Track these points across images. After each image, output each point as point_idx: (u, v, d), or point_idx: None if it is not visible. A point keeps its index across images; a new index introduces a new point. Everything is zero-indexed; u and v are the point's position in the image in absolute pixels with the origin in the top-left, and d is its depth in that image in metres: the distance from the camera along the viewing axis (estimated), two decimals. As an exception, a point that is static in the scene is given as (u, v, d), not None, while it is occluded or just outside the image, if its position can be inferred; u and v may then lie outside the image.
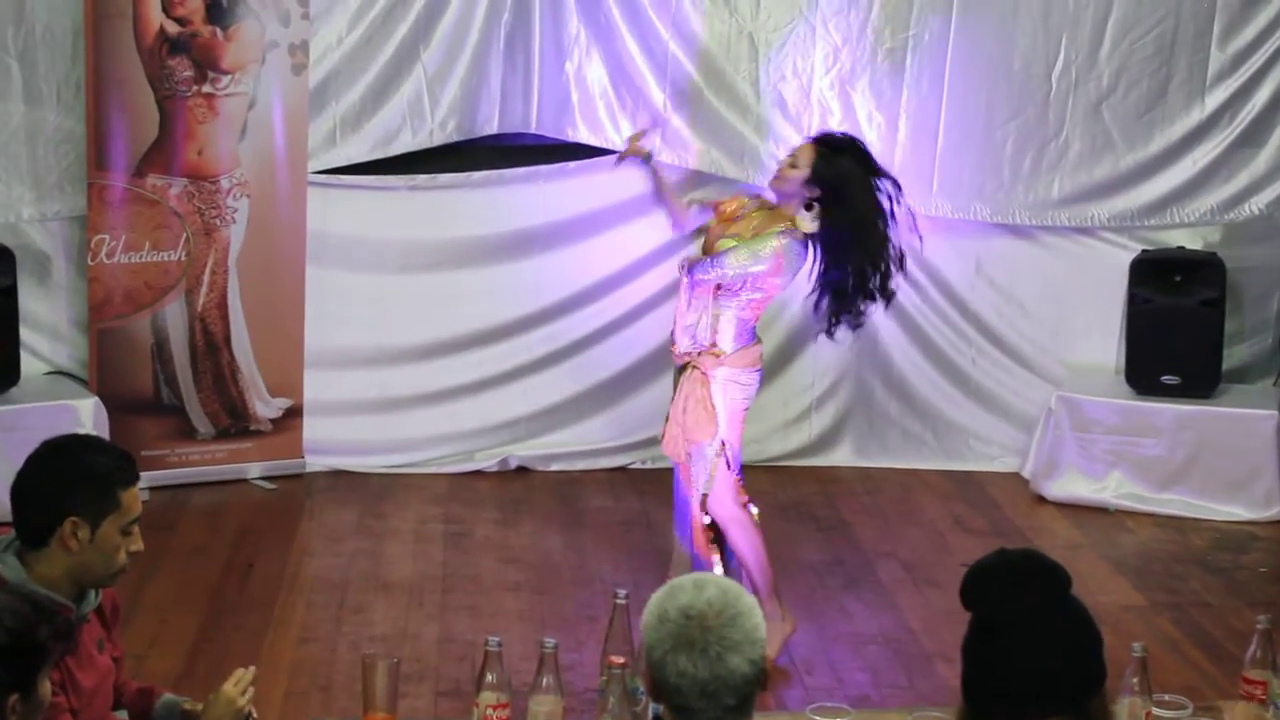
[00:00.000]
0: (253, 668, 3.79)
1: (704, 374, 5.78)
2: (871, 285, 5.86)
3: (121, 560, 3.65)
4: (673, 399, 5.95)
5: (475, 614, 6.23)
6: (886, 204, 5.88)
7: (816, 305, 5.91)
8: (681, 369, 5.90)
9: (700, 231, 6.24)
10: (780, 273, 5.76)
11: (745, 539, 5.87)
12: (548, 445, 7.89)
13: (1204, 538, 7.28)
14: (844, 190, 5.79)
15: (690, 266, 5.82)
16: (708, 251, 5.91)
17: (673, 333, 5.92)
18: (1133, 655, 3.83)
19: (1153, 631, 6.18)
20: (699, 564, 5.87)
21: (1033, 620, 3.00)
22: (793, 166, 5.84)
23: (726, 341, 5.78)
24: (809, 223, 5.78)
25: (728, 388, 5.80)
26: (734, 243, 5.79)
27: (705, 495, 5.84)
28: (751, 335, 5.86)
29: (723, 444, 5.81)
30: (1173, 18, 7.67)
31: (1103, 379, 7.80)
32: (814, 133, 6.52)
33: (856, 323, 6.00)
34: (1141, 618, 6.38)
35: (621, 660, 3.75)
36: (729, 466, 5.84)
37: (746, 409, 5.95)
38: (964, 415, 8.05)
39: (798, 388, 8.00)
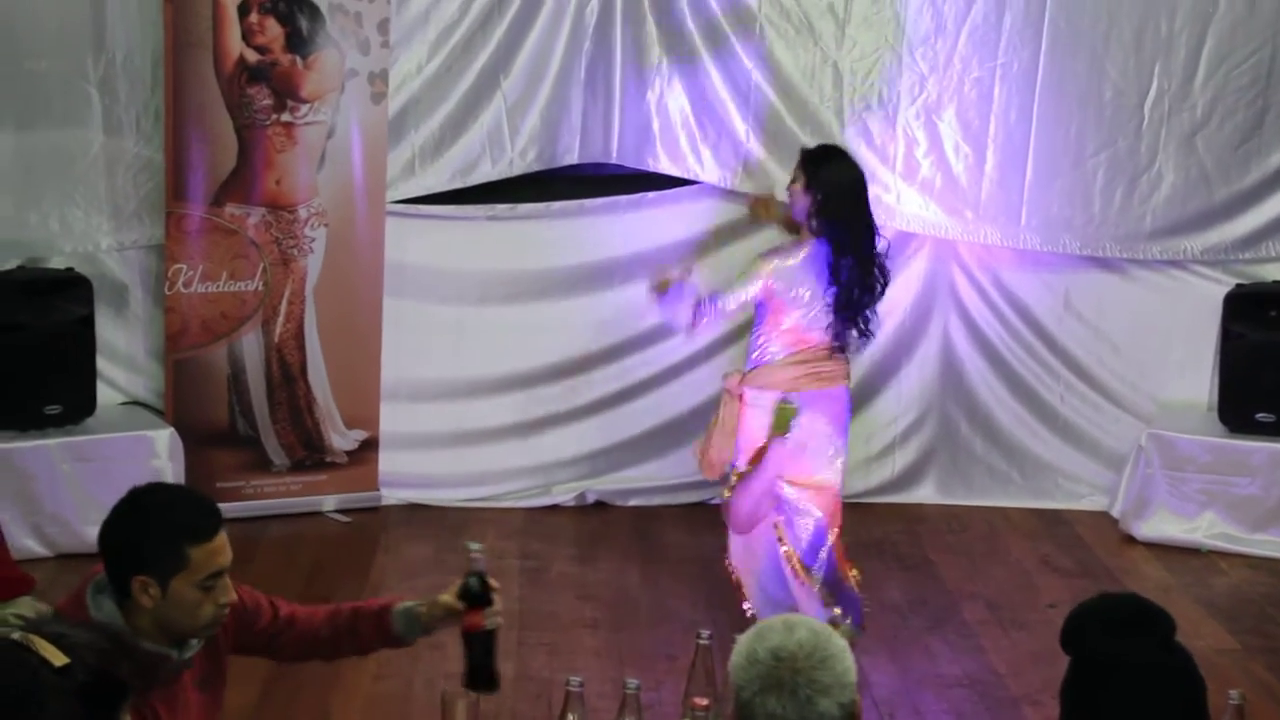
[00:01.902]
0: None
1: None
2: (876, 290, 6.04)
3: (206, 614, 3.55)
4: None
5: (552, 651, 6.14)
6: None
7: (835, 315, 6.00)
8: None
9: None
10: (779, 291, 5.94)
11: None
12: (625, 480, 7.81)
13: (1299, 580, 7.12)
14: (836, 189, 5.98)
15: (698, 304, 6.05)
16: None
17: None
18: (1229, 702, 3.69)
19: (1247, 676, 6.06)
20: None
21: (1139, 666, 2.96)
22: (794, 182, 6.07)
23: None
24: (814, 229, 5.97)
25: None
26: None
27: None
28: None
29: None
30: (1269, 47, 7.53)
31: (1195, 416, 7.64)
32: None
33: (865, 332, 6.11)
34: (1235, 662, 6.25)
35: (705, 702, 3.67)
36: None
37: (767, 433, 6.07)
38: (1051, 453, 7.91)
39: (881, 423, 7.88)
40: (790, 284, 5.94)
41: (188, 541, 3.51)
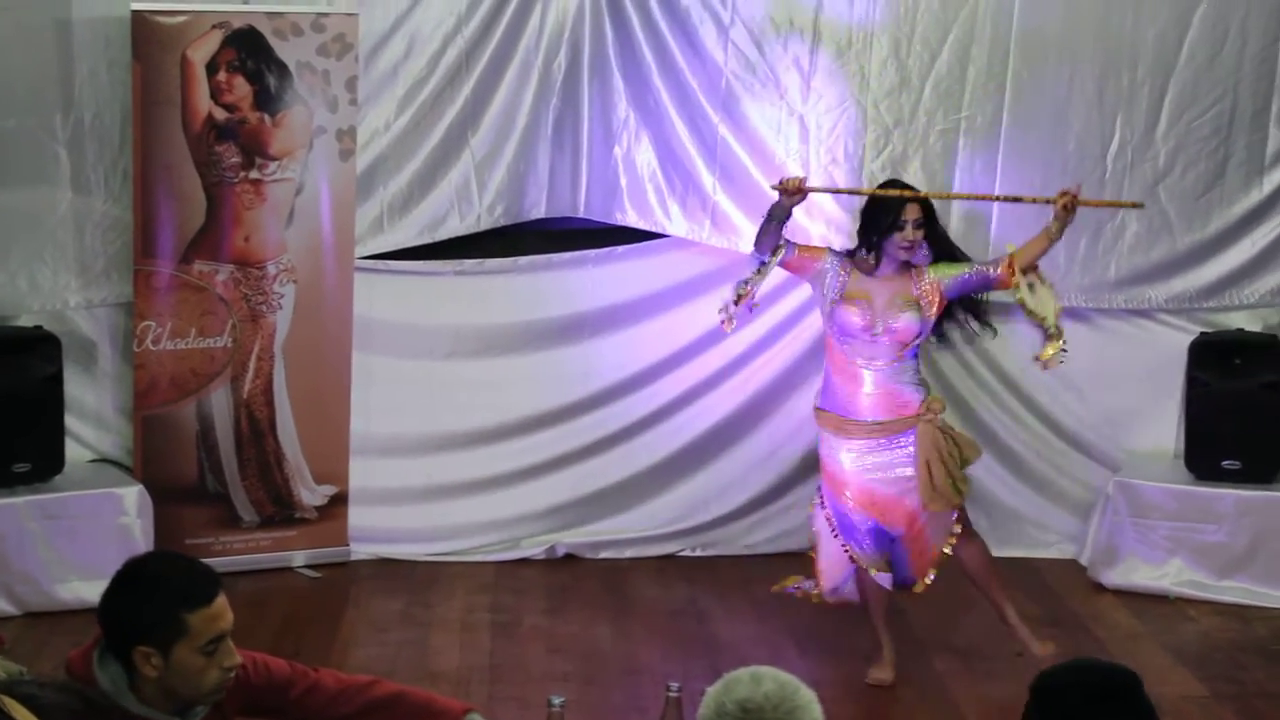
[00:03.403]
0: None
1: None
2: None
3: (211, 680, 3.55)
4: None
5: (523, 705, 6.11)
6: None
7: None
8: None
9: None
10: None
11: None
12: (595, 533, 7.80)
13: (1267, 626, 7.13)
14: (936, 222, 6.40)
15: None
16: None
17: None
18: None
19: (1216, 724, 6.05)
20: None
21: None
22: (919, 227, 6.25)
23: None
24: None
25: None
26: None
27: None
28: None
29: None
30: (1230, 96, 7.61)
31: (1162, 464, 7.67)
32: (884, 183, 6.72)
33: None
34: (1204, 709, 6.25)
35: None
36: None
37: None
38: (1019, 501, 7.92)
39: (850, 473, 7.88)
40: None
41: (185, 609, 3.50)
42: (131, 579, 3.55)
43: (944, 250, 6.37)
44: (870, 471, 6.33)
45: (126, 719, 3.49)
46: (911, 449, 6.28)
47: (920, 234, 6.25)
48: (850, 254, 6.43)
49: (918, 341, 6.34)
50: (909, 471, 6.28)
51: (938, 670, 6.61)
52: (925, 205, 6.31)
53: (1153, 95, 7.61)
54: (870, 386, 6.30)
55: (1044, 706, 3.07)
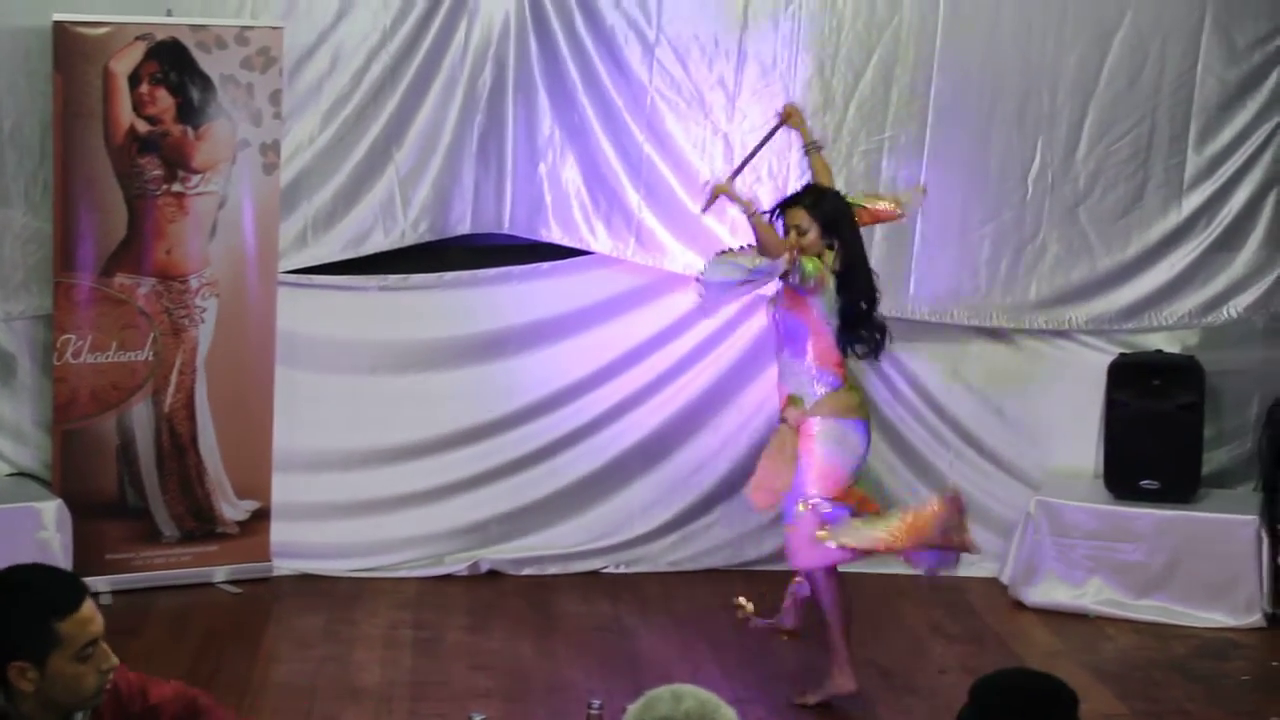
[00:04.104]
0: None
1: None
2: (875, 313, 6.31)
3: (90, 684, 3.51)
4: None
5: (445, 722, 6.11)
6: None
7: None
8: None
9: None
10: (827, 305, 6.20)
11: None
12: (519, 549, 7.78)
13: (1185, 645, 7.18)
14: (845, 222, 6.26)
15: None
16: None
17: None
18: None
19: (1134, 741, 6.10)
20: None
21: None
22: (803, 234, 6.17)
23: None
24: (834, 262, 6.18)
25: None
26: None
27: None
28: None
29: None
30: (1148, 121, 7.70)
31: (1081, 484, 7.73)
32: (778, 200, 6.56)
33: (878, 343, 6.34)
34: (1123, 727, 6.29)
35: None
36: None
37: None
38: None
39: (773, 491, 7.89)
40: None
41: (55, 617, 3.45)
42: None
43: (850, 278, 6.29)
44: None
45: None
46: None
47: (804, 239, 6.17)
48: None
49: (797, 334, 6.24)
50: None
51: (862, 687, 6.60)
52: (819, 216, 6.22)
53: (1073, 118, 7.69)
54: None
55: (981, 708, 3.07)
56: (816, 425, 6.17)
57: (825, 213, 6.22)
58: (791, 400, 6.24)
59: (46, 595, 3.48)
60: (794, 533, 6.22)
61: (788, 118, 6.70)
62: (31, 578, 3.57)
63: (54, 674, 3.45)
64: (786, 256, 6.01)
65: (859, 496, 6.26)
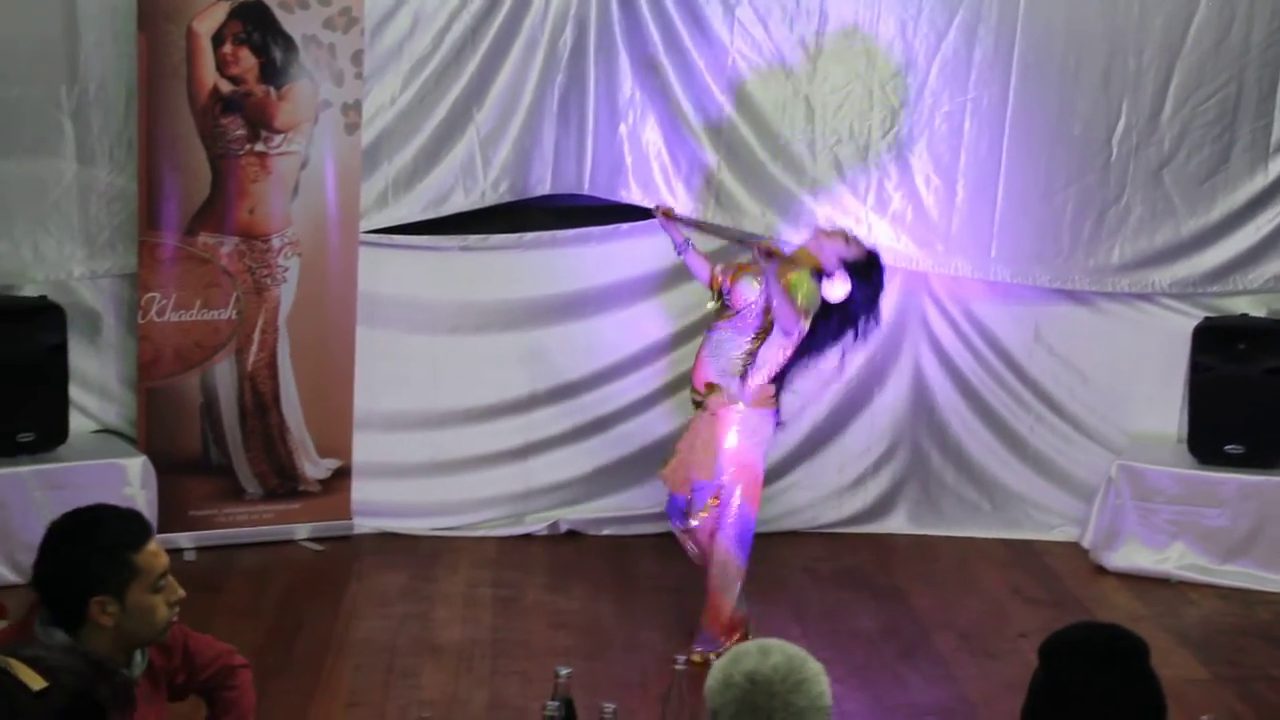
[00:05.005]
0: None
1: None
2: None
3: (163, 616, 3.63)
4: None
5: (526, 679, 6.13)
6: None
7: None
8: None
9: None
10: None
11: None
12: (598, 509, 7.81)
13: (1269, 610, 7.14)
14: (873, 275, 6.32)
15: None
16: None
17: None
18: (1203, 725, 3.73)
19: (1216, 706, 6.07)
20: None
21: (1108, 695, 3.01)
22: (848, 243, 6.25)
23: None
24: (839, 288, 6.19)
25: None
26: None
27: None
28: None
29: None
30: (1235, 83, 7.60)
31: (1165, 448, 7.68)
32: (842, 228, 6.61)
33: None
34: (1205, 691, 6.26)
35: (679, 727, 3.68)
36: None
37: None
38: (1022, 483, 7.93)
39: (853, 453, 7.90)
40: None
41: (131, 550, 3.58)
42: (67, 536, 3.59)
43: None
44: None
45: (125, 678, 3.52)
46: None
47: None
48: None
49: (751, 314, 6.27)
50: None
51: (939, 650, 6.61)
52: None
53: (1158, 79, 7.60)
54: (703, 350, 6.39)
55: (1050, 667, 3.06)
56: (739, 414, 6.24)
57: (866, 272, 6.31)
58: (711, 388, 6.27)
59: (121, 529, 3.62)
60: (700, 527, 6.36)
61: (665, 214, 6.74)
62: (101, 515, 3.68)
63: (132, 606, 3.56)
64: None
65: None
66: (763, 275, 6.18)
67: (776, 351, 6.21)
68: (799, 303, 6.09)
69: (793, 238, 7.59)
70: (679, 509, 6.44)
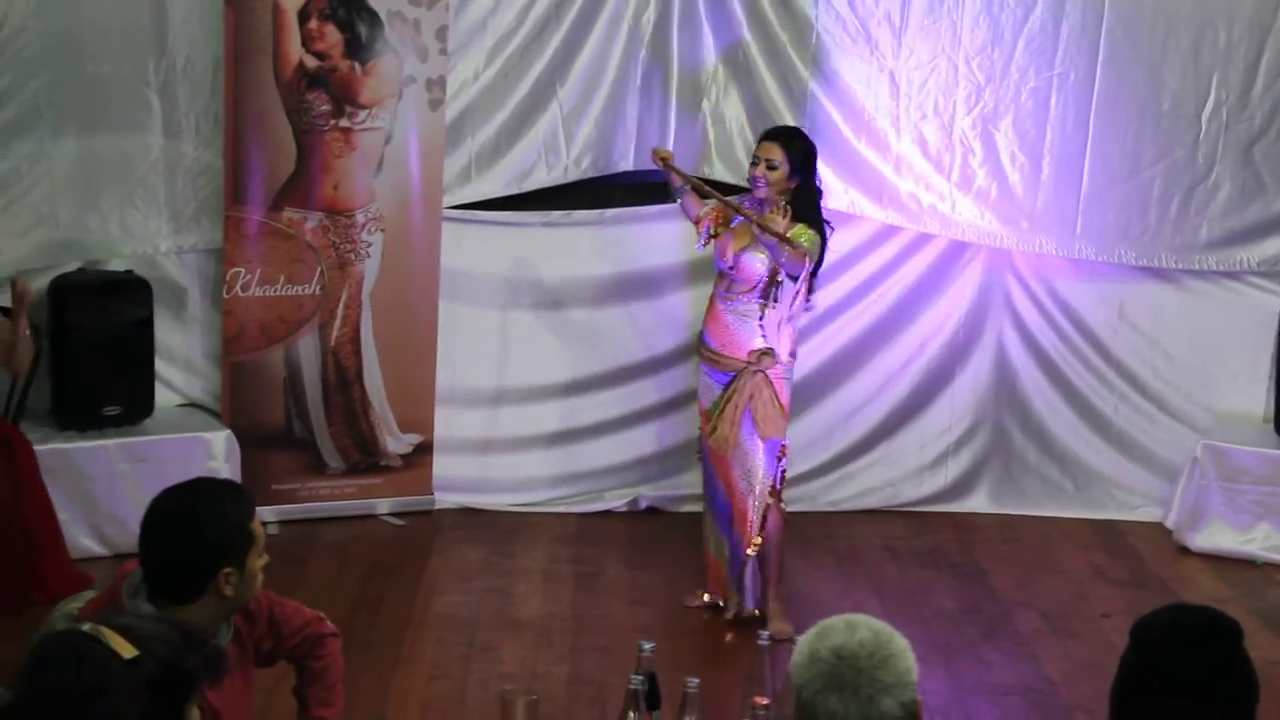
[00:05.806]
0: None
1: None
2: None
3: (260, 580, 3.72)
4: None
5: (606, 654, 6.15)
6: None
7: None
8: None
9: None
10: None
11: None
12: (678, 486, 7.80)
13: (1356, 593, 7.07)
14: (812, 167, 6.39)
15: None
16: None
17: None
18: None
19: (1303, 689, 5.98)
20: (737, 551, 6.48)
21: (1201, 678, 2.99)
22: (773, 168, 6.28)
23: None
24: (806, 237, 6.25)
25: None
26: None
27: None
28: None
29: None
30: (1329, 58, 7.49)
31: (1251, 428, 7.60)
32: (767, 131, 6.68)
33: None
34: (1291, 674, 6.18)
35: (765, 701, 3.68)
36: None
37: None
38: (1105, 463, 7.86)
39: (934, 431, 7.86)
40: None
41: (248, 519, 3.66)
42: (190, 514, 3.62)
43: (802, 213, 6.33)
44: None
45: (216, 648, 3.55)
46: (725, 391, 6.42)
47: (773, 174, 6.29)
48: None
49: (763, 284, 6.32)
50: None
51: (1020, 629, 6.58)
52: (792, 156, 6.32)
53: (1249, 55, 7.50)
54: (716, 315, 6.42)
55: (1142, 649, 3.04)
56: (781, 367, 6.36)
57: (799, 150, 6.35)
58: (765, 353, 6.31)
59: (235, 501, 3.69)
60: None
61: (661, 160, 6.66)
62: (215, 489, 3.76)
63: (249, 573, 3.64)
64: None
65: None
66: (755, 238, 6.25)
67: (795, 300, 6.31)
68: (804, 244, 6.18)
69: (875, 215, 7.59)
70: (726, 515, 6.53)
